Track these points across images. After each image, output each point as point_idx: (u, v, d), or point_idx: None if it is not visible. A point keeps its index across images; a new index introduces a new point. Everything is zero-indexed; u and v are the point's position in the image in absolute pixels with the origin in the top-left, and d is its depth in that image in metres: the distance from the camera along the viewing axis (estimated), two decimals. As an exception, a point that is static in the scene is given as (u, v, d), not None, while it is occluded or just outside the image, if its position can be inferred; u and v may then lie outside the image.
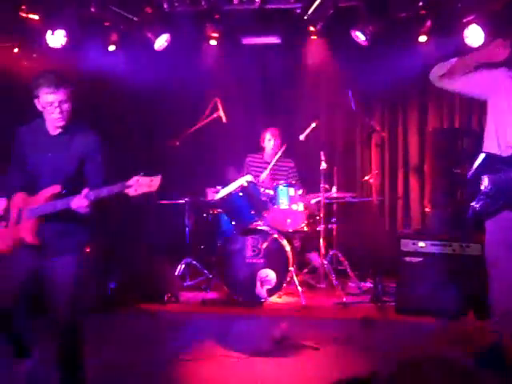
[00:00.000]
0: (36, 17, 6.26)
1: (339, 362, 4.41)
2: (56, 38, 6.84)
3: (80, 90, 6.91)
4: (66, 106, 3.60)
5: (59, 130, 3.72)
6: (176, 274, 6.60)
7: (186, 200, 6.83)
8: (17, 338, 3.75)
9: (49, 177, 3.67)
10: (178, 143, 6.77)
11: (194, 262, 6.72)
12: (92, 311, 5.13)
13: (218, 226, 6.68)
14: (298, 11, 6.62)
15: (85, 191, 3.41)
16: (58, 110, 3.58)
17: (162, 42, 7.04)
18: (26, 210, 3.63)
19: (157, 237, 7.10)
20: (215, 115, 6.69)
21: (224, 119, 6.67)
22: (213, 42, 7.28)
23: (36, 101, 3.62)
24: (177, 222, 7.00)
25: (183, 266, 6.67)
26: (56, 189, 3.60)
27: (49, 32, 6.76)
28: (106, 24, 7.04)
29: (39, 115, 3.68)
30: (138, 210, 6.92)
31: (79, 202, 3.41)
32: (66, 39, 6.87)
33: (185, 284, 6.65)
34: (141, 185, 3.34)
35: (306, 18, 6.47)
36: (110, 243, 6.26)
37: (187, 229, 6.79)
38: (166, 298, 6.10)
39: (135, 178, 3.35)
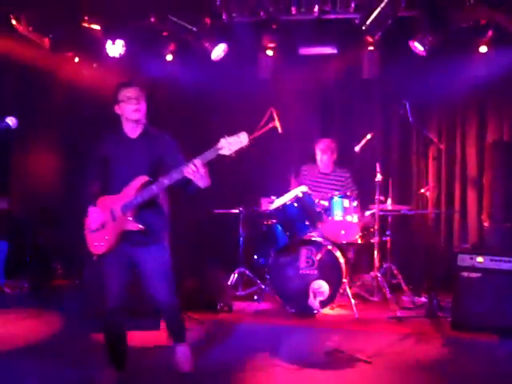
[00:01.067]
0: (98, 27, 6.41)
1: (391, 376, 4.35)
2: (115, 48, 7.01)
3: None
4: (142, 103, 4.02)
5: (138, 133, 4.11)
6: (229, 283, 6.64)
7: (240, 210, 6.87)
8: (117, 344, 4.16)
9: (129, 177, 3.97)
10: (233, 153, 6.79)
11: (247, 272, 6.74)
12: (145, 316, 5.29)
13: (272, 236, 6.65)
14: (357, 21, 6.55)
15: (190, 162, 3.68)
16: (135, 101, 3.98)
17: (218, 51, 7.11)
18: (118, 208, 3.94)
19: (210, 246, 7.16)
20: (271, 125, 6.68)
21: (280, 129, 6.66)
22: (269, 53, 7.31)
23: (116, 107, 4.05)
24: (231, 232, 7.04)
25: (236, 275, 6.70)
26: (143, 178, 3.94)
27: (109, 42, 6.93)
28: (164, 34, 7.17)
29: (108, 122, 4.06)
30: (191, 218, 7.01)
31: (189, 170, 3.67)
32: (124, 49, 7.04)
33: (237, 294, 6.68)
34: (231, 143, 3.64)
35: (364, 28, 6.40)
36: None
37: (241, 238, 6.82)
38: (218, 307, 6.14)
39: (223, 140, 3.63)
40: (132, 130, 4.11)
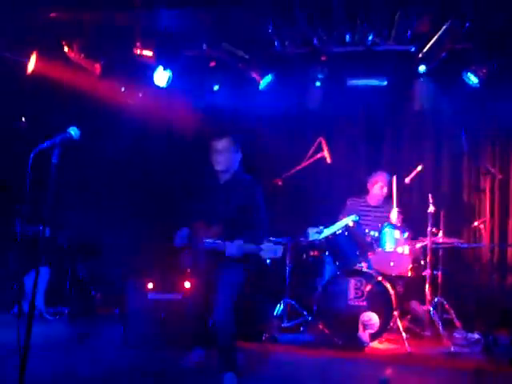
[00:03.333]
0: (149, 53, 6.50)
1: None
2: (163, 77, 7.09)
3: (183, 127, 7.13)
4: (225, 155, 4.48)
5: (225, 179, 4.56)
6: (275, 314, 6.48)
7: (288, 238, 6.75)
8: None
9: (213, 217, 4.41)
10: (280, 182, 6.75)
11: (293, 303, 6.57)
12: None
13: (318, 267, 6.55)
14: (413, 49, 6.52)
15: (237, 243, 4.20)
16: (216, 154, 4.48)
17: (267, 81, 7.13)
18: (202, 239, 4.37)
19: (257, 275, 7.04)
20: (319, 155, 6.64)
21: (328, 159, 6.61)
22: (318, 84, 7.30)
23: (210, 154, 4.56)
24: (277, 262, 6.91)
25: (282, 306, 6.54)
26: (218, 230, 4.34)
27: (157, 70, 7.00)
28: (212, 64, 7.23)
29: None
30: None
31: (230, 251, 4.22)
32: (171, 78, 7.11)
33: (283, 325, 6.51)
34: (268, 252, 4.20)
35: (420, 56, 6.35)
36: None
37: (287, 269, 6.69)
38: (263, 338, 6.00)
39: (269, 245, 4.22)
40: (221, 176, 4.58)
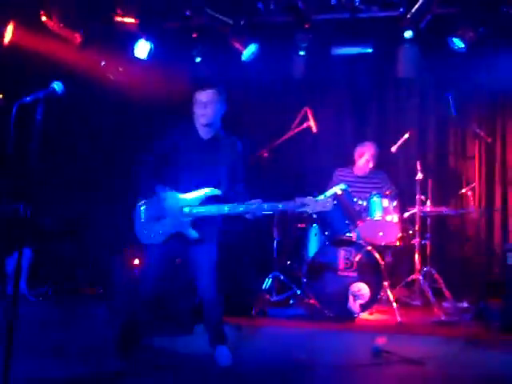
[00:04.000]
0: (131, 20, 6.27)
1: (446, 377, 4.06)
2: (143, 49, 6.89)
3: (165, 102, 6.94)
4: (211, 108, 4.12)
5: (209, 136, 4.21)
6: (263, 288, 6.39)
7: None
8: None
9: (195, 176, 4.09)
10: (266, 154, 6.62)
11: (282, 277, 6.47)
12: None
13: (306, 240, 6.44)
14: (397, 15, 6.39)
15: (258, 201, 3.89)
16: (202, 106, 4.12)
17: (250, 52, 6.96)
18: (180, 209, 4.03)
19: (244, 249, 6.93)
20: (305, 125, 6.51)
21: (314, 129, 6.48)
22: (302, 52, 7.13)
23: (192, 107, 4.19)
24: (264, 234, 6.81)
25: (270, 280, 6.44)
26: (215, 192, 4.05)
27: (138, 42, 6.81)
28: (194, 36, 7.04)
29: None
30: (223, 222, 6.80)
31: (254, 213, 3.91)
32: (152, 51, 6.92)
33: (272, 299, 6.43)
34: (318, 205, 3.83)
35: (405, 21, 6.22)
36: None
37: (275, 242, 6.58)
38: (253, 313, 5.91)
39: (311, 198, 3.83)
40: (204, 132, 4.22)
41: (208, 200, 4.03)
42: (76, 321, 5.74)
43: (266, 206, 3.86)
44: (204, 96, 4.14)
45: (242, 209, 3.90)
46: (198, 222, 4.05)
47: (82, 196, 7.52)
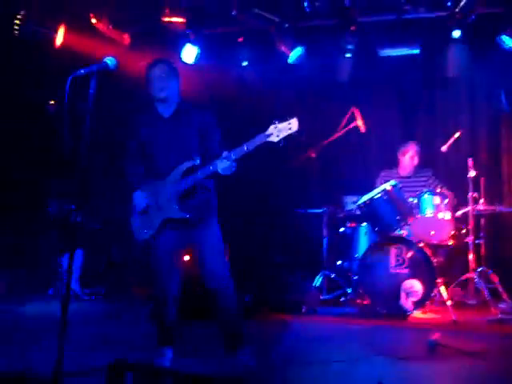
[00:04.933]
0: (180, 19, 6.36)
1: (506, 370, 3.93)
2: (190, 54, 7.00)
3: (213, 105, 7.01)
4: (169, 81, 3.85)
5: (171, 112, 3.89)
6: (313, 286, 6.33)
7: (323, 210, 6.60)
8: (167, 324, 3.94)
9: (168, 157, 3.83)
10: (314, 154, 6.61)
11: (332, 275, 6.41)
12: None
13: (355, 239, 6.39)
14: (444, 16, 6.35)
15: (224, 153, 3.57)
16: (159, 79, 3.82)
17: (296, 55, 7.00)
18: (162, 195, 3.80)
19: (294, 247, 6.92)
20: (352, 125, 6.48)
21: (362, 129, 6.45)
22: (348, 55, 7.13)
23: (148, 88, 3.88)
24: (314, 234, 6.78)
25: (321, 278, 6.39)
26: (187, 164, 3.75)
27: (185, 47, 6.92)
28: (240, 40, 7.13)
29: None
30: (274, 220, 6.82)
31: (223, 164, 3.56)
32: (199, 55, 7.02)
33: (322, 297, 6.37)
34: (280, 129, 3.46)
35: (452, 22, 6.18)
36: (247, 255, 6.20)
37: (324, 240, 6.54)
38: (303, 310, 5.87)
39: (272, 127, 3.48)
40: (164, 110, 3.92)
41: (186, 175, 3.76)
42: (122, 317, 5.85)
43: (232, 154, 3.54)
44: (157, 69, 3.88)
45: (211, 167, 3.62)
46: (185, 202, 3.80)
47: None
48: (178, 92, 3.95)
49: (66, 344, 2.79)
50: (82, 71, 2.87)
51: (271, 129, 3.47)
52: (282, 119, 3.46)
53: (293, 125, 3.46)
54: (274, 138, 3.46)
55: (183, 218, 3.77)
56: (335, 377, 3.81)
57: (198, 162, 3.75)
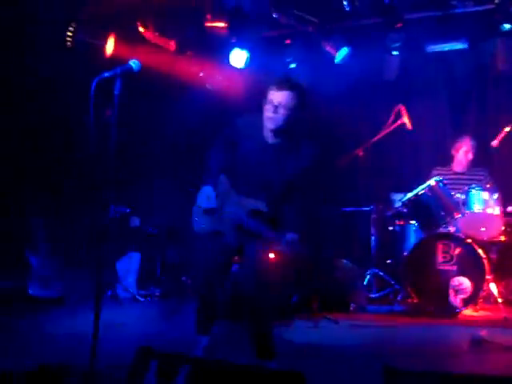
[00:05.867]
0: (222, 24, 6.50)
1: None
2: (240, 58, 7.14)
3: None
4: (283, 111, 3.45)
5: (276, 140, 3.57)
6: (362, 284, 6.35)
7: (371, 208, 6.61)
8: (208, 312, 3.82)
9: (253, 185, 3.58)
10: (361, 153, 6.63)
11: (381, 273, 6.42)
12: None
13: (404, 237, 6.37)
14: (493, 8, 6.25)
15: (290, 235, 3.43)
16: (272, 108, 3.45)
17: (343, 54, 7.04)
18: (229, 211, 3.62)
19: (342, 245, 6.94)
20: (399, 122, 6.47)
21: (409, 126, 6.42)
22: (395, 53, 7.11)
23: (264, 107, 3.55)
24: (363, 232, 6.79)
25: (369, 276, 6.41)
26: (263, 208, 3.56)
27: (233, 51, 7.07)
28: (287, 42, 7.21)
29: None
30: (322, 219, 6.85)
31: (286, 247, 3.46)
32: (248, 59, 7.15)
33: (371, 295, 6.38)
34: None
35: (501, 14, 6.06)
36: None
37: (372, 238, 6.54)
38: (351, 308, 5.89)
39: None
40: (269, 136, 3.59)
41: (251, 215, 3.57)
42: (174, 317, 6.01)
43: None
44: (277, 97, 3.46)
45: (276, 238, 3.49)
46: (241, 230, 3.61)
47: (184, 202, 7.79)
48: (293, 124, 3.54)
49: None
50: (107, 74, 2.93)
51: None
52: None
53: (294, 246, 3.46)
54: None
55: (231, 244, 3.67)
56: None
57: (266, 209, 3.56)
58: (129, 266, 7.31)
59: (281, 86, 3.48)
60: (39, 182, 6.90)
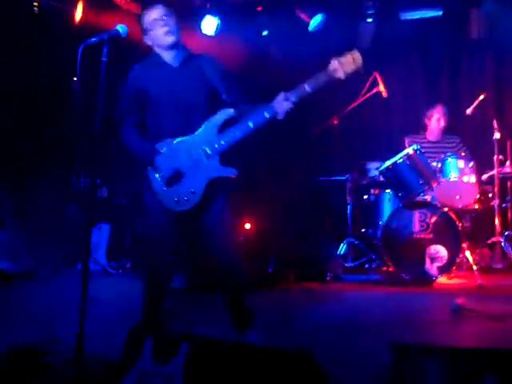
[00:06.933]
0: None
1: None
2: (211, 25, 6.97)
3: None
4: (172, 21, 3.35)
5: (180, 60, 3.43)
6: (338, 254, 6.34)
7: (346, 177, 6.57)
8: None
9: (175, 111, 3.38)
10: (336, 121, 6.56)
11: (357, 243, 6.41)
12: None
13: (379, 205, 6.35)
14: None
15: (281, 95, 3.17)
16: (163, 23, 3.33)
17: (316, 22, 6.93)
18: (200, 151, 3.27)
19: (317, 215, 6.92)
20: (375, 90, 6.39)
21: (384, 93, 6.35)
22: (369, 20, 7.03)
23: (146, 38, 3.44)
24: (338, 201, 6.77)
25: (345, 246, 6.40)
26: (228, 112, 3.31)
27: (205, 18, 6.89)
28: (259, 9, 7.06)
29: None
30: (296, 188, 6.82)
31: (284, 106, 3.15)
32: (219, 26, 6.98)
33: (347, 265, 6.39)
34: (344, 64, 3.14)
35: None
36: (270, 223, 6.20)
37: (348, 207, 6.52)
38: (328, 278, 5.88)
39: (335, 61, 3.15)
40: (172, 58, 3.42)
41: (224, 129, 3.29)
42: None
43: (291, 95, 3.14)
44: (157, 12, 3.35)
45: (266, 113, 3.17)
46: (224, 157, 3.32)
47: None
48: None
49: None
50: (93, 39, 2.80)
51: (334, 64, 3.13)
52: (340, 53, 3.14)
53: (357, 58, 3.14)
54: (340, 74, 3.13)
55: (229, 178, 3.31)
56: (358, 340, 3.83)
57: (233, 112, 3.30)
58: (99, 238, 7.19)
59: (151, 5, 3.38)
60: (3, 156, 6.68)
